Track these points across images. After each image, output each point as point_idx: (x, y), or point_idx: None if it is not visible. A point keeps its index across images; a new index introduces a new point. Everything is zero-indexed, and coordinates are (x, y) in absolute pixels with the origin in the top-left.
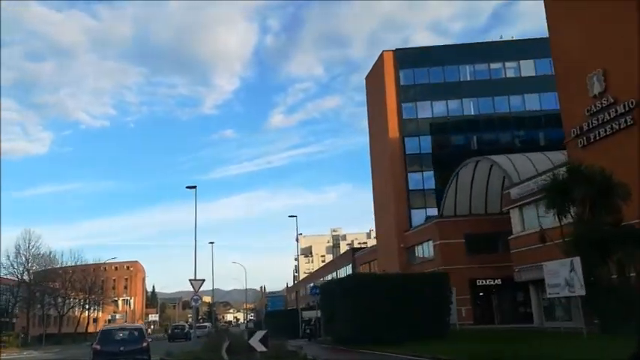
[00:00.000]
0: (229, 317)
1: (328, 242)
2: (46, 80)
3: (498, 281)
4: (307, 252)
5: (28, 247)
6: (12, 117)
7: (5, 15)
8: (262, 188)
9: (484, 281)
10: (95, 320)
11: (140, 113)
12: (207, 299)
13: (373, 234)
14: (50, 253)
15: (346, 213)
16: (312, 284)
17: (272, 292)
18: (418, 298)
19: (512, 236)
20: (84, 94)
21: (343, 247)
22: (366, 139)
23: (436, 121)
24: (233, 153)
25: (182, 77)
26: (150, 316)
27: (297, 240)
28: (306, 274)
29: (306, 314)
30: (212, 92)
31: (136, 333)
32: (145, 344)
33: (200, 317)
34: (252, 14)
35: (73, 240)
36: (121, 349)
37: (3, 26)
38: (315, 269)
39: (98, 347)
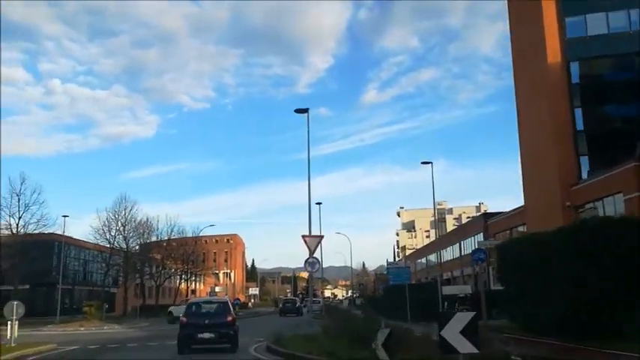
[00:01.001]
0: (327, 293)
1: (432, 216)
2: (151, 66)
3: None
4: (410, 227)
5: (124, 212)
6: (122, 102)
7: (114, 5)
8: (357, 166)
9: None
10: (194, 292)
11: (237, 95)
12: (305, 275)
13: (483, 207)
14: (147, 219)
15: (445, 189)
16: (475, 247)
17: (393, 263)
18: None
19: None
20: (186, 77)
21: (449, 221)
22: (462, 112)
23: (613, 37)
24: (327, 131)
25: (277, 57)
26: (250, 289)
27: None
28: (410, 250)
29: (448, 289)
30: (306, 71)
31: (221, 306)
32: (229, 318)
33: (299, 292)
34: None
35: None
36: (206, 322)
37: (113, 17)
38: (418, 245)
39: (185, 319)
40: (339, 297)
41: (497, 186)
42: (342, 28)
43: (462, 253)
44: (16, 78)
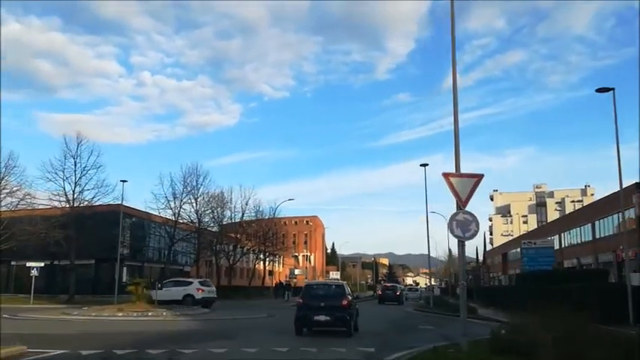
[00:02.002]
0: (409, 281)
1: (530, 200)
2: (234, 56)
3: None
4: (504, 211)
5: (195, 181)
6: (207, 92)
7: None
8: (437, 153)
9: None
10: (271, 273)
11: (317, 83)
12: (384, 261)
13: (591, 191)
14: (221, 192)
15: (534, 176)
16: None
17: (530, 242)
18: None
19: None
20: (267, 67)
21: (551, 205)
22: (552, 96)
23: None
24: (405, 118)
25: (356, 43)
26: (331, 273)
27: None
28: (505, 237)
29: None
30: (386, 56)
31: (337, 289)
32: (345, 302)
33: (380, 279)
34: None
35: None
36: (322, 304)
37: (197, 9)
38: (514, 231)
39: (301, 301)
40: (422, 285)
41: (592, 172)
42: (423, 10)
43: (597, 236)
44: (110, 71)
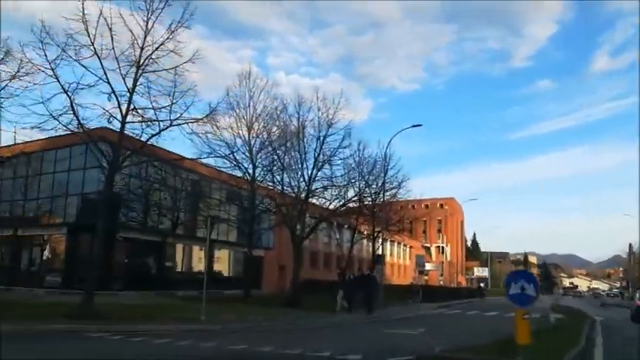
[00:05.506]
0: (566, 283)
1: None
2: (364, 52)
3: None
4: None
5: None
6: (338, 89)
7: None
8: (581, 145)
9: None
10: (379, 260)
11: (448, 74)
12: (532, 259)
13: None
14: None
15: None
16: None
17: None
18: None
19: None
20: (397, 61)
21: None
22: None
23: None
24: (546, 108)
25: (492, 30)
26: (475, 270)
27: None
28: None
29: None
30: (525, 42)
31: None
32: None
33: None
34: None
35: None
36: None
37: (328, 8)
38: None
39: None
40: (581, 289)
41: None
42: None
43: None
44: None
